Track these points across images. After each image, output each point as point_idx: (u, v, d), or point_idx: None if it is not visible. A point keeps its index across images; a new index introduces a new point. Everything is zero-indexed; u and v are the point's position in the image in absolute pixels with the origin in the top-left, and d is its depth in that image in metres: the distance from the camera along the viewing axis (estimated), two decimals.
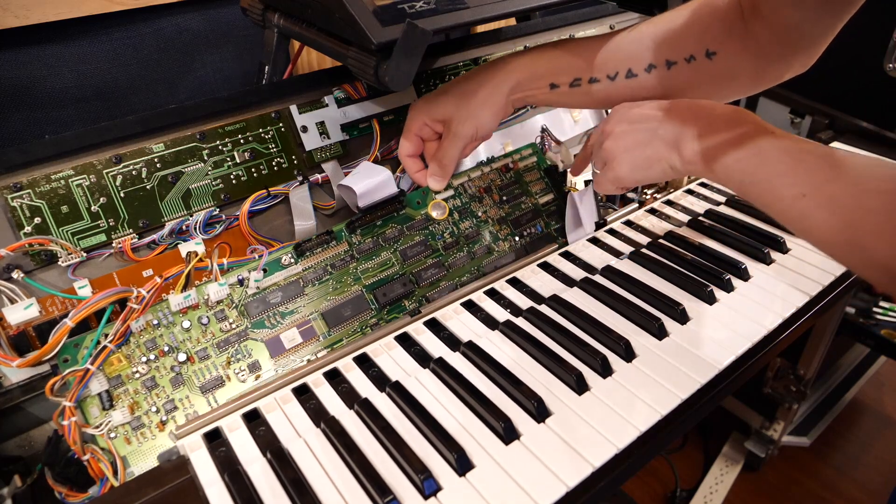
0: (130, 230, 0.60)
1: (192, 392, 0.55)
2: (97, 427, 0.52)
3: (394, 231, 0.67)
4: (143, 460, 0.53)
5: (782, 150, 0.51)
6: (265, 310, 0.60)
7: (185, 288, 0.59)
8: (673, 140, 0.57)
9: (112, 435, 0.52)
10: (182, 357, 0.56)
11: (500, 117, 0.68)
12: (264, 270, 0.61)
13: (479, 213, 0.72)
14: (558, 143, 0.82)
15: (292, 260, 0.62)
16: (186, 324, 0.57)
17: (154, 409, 0.54)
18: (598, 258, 0.70)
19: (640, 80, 0.65)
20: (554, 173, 0.77)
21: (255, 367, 0.58)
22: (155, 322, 0.56)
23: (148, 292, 0.56)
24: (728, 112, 0.56)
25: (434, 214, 0.69)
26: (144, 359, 0.55)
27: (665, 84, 0.65)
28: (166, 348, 0.56)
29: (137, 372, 0.54)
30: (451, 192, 0.71)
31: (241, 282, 0.59)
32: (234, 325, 0.59)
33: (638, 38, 0.65)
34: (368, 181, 0.65)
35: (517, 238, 0.72)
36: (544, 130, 0.81)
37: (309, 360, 0.59)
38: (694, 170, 0.57)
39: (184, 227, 0.62)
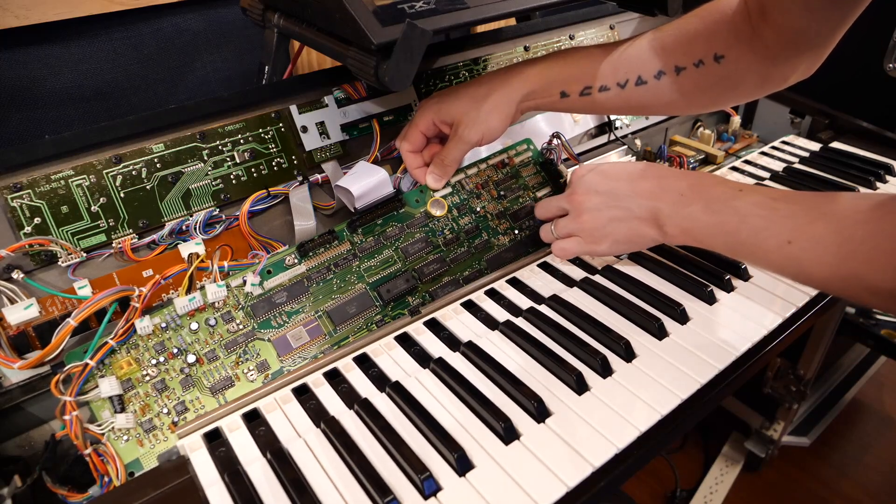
0: (130, 230, 0.61)
1: (202, 393, 0.56)
2: (100, 426, 0.52)
3: (394, 229, 0.67)
4: (155, 462, 0.52)
5: (756, 204, 0.53)
6: (271, 310, 0.60)
7: (188, 290, 0.59)
8: (649, 216, 0.59)
9: (114, 436, 0.52)
10: (191, 359, 0.56)
11: (507, 124, 0.69)
12: (269, 272, 0.61)
13: (478, 209, 0.72)
14: (577, 161, 0.81)
15: (296, 260, 0.62)
16: (194, 326, 0.57)
17: (165, 410, 0.54)
18: (598, 258, 0.70)
19: (649, 86, 0.66)
20: (550, 167, 0.77)
21: (263, 367, 0.58)
22: (163, 325, 0.56)
23: (148, 290, 0.56)
24: (693, 179, 0.58)
25: (433, 211, 0.69)
26: (154, 361, 0.55)
27: (674, 90, 0.66)
28: (175, 350, 0.56)
29: (147, 375, 0.54)
30: (448, 190, 0.71)
31: (244, 283, 0.60)
32: (241, 326, 0.59)
33: (647, 45, 0.66)
34: (365, 182, 0.65)
35: (517, 231, 0.73)
36: (558, 137, 0.80)
37: (316, 357, 0.59)
38: (678, 241, 0.59)
39: (184, 228, 0.62)
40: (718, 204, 0.55)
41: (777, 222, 0.51)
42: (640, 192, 0.60)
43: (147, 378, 0.54)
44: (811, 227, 0.49)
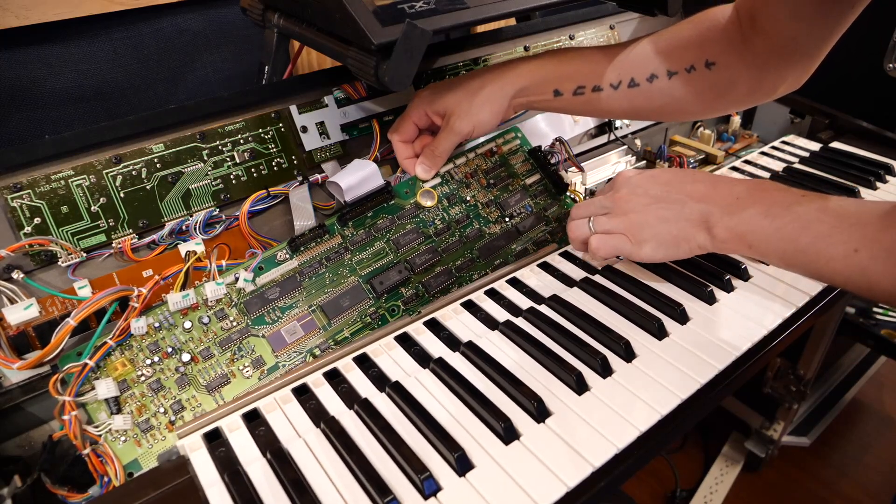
0: (130, 230, 0.61)
1: (198, 391, 0.56)
2: (97, 427, 0.52)
3: (385, 221, 0.67)
4: (153, 462, 0.53)
5: (820, 209, 0.50)
6: (264, 306, 0.60)
7: (183, 287, 0.59)
8: (700, 219, 0.56)
9: (111, 437, 0.52)
10: (186, 357, 0.56)
11: (499, 118, 0.69)
12: (261, 268, 0.61)
13: (468, 198, 0.72)
14: (579, 168, 0.81)
15: (287, 255, 0.62)
16: (188, 324, 0.57)
17: (162, 410, 0.54)
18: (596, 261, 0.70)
19: (641, 89, 0.67)
20: (538, 154, 0.77)
21: (258, 363, 0.58)
22: (157, 325, 0.56)
23: (148, 290, 0.56)
24: (750, 184, 0.55)
25: (423, 202, 0.70)
26: (148, 361, 0.55)
27: (665, 94, 0.66)
28: (170, 350, 0.56)
29: (143, 375, 0.54)
30: (438, 180, 0.72)
31: (237, 280, 0.60)
32: (234, 323, 0.59)
33: (641, 49, 0.67)
34: (354, 175, 0.66)
35: (507, 219, 0.73)
36: (561, 142, 0.80)
37: (313, 355, 0.59)
38: (728, 248, 0.55)
39: (184, 228, 0.62)
40: (779, 208, 0.52)
41: (843, 229, 0.48)
42: (692, 195, 0.56)
43: (142, 378, 0.54)
44: (882, 236, 0.46)
